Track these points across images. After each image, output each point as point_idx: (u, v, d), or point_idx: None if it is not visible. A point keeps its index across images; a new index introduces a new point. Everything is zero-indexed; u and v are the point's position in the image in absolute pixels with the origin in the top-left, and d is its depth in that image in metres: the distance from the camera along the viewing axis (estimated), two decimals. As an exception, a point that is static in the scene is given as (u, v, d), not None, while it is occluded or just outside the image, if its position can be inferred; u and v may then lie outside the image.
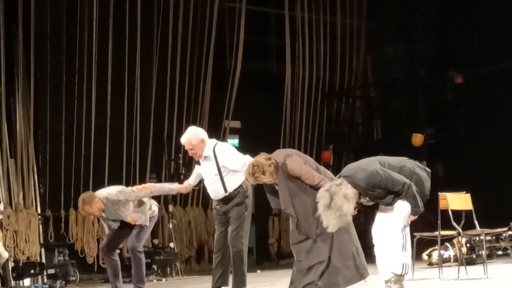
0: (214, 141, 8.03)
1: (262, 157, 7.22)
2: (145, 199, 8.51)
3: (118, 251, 8.64)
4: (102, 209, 8.43)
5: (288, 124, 15.98)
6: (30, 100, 12.88)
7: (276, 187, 7.17)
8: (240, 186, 7.86)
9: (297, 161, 7.10)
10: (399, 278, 6.72)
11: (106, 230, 8.79)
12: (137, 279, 8.48)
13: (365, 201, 6.79)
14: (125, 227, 8.52)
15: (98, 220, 13.13)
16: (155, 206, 8.70)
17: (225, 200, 7.88)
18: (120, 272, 8.60)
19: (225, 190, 7.82)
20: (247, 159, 7.68)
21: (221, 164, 7.80)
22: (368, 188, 6.63)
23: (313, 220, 6.94)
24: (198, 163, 8.03)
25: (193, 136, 7.95)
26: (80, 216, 13.05)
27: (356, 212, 6.67)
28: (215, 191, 7.90)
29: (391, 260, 6.68)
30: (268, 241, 15.63)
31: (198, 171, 8.20)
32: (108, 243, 8.57)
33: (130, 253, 8.53)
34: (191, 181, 8.32)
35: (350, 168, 6.83)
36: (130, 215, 8.39)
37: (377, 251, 6.83)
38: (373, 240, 6.85)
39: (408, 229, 6.75)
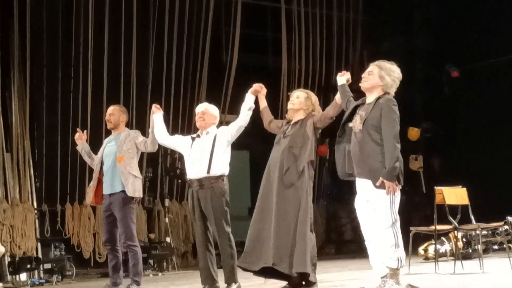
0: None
1: None
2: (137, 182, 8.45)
3: (120, 247, 8.57)
4: (124, 122, 8.59)
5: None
6: (26, 94, 12.87)
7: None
8: (221, 177, 7.71)
9: None
10: (394, 273, 6.66)
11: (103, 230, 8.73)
12: (134, 273, 8.46)
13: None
14: (111, 215, 8.45)
15: (95, 215, 13.17)
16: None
17: (201, 183, 7.68)
18: (121, 268, 8.58)
19: (208, 171, 7.64)
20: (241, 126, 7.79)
21: (217, 143, 7.69)
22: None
23: None
24: (193, 139, 7.89)
25: (212, 107, 8.00)
26: (77, 210, 13.06)
27: None
28: (197, 169, 7.69)
29: (386, 257, 6.65)
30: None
31: (180, 139, 8.11)
32: (109, 236, 8.51)
33: (126, 248, 8.49)
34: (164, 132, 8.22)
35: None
36: (126, 154, 8.37)
37: (369, 248, 6.81)
38: (365, 238, 6.83)
39: (398, 223, 6.67)
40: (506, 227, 11.21)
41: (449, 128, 16.48)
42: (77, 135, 8.88)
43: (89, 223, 13.15)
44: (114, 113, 8.67)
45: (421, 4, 17.08)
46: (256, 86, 7.92)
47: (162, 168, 14.07)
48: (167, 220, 13.58)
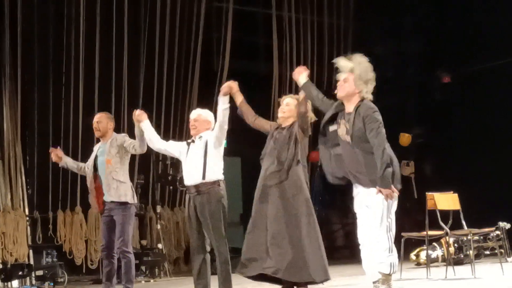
0: None
1: None
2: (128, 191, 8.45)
3: (116, 254, 8.56)
4: (111, 129, 8.55)
5: (276, 124, 15.99)
6: (18, 101, 12.85)
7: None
8: (217, 182, 7.69)
9: None
10: (387, 278, 6.66)
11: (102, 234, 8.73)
12: (126, 279, 8.45)
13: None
14: (109, 224, 8.44)
15: (86, 221, 13.16)
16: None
17: (198, 189, 7.67)
18: (115, 275, 8.57)
19: (203, 177, 7.63)
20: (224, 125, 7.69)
21: (209, 147, 7.68)
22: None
23: None
24: (189, 144, 7.91)
25: (205, 112, 7.97)
26: (68, 217, 13.04)
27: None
28: (192, 175, 7.67)
29: (378, 262, 6.66)
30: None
31: (175, 145, 8.08)
32: (108, 242, 8.49)
33: (120, 254, 8.48)
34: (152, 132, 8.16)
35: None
36: (113, 158, 8.35)
37: (363, 253, 6.81)
38: (360, 242, 6.83)
39: (394, 229, 6.70)
40: (498, 232, 11.27)
41: (440, 134, 16.51)
42: (52, 155, 8.80)
43: (81, 230, 13.13)
44: (101, 121, 8.62)
45: (412, 10, 17.11)
46: (224, 87, 7.79)
47: (153, 175, 14.06)
48: (159, 226, 13.56)
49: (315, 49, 16.74)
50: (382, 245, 6.60)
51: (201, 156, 7.68)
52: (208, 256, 7.77)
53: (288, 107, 7.67)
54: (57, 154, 8.78)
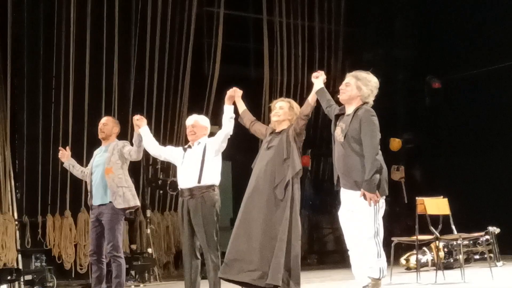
0: None
1: None
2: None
3: (105, 258, 8.54)
4: (115, 134, 8.61)
5: (267, 129, 16.01)
6: (7, 105, 12.80)
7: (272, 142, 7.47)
8: (212, 187, 7.73)
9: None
10: (376, 283, 6.68)
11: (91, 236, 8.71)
12: (116, 284, 8.41)
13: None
14: (98, 228, 8.43)
15: (76, 226, 13.12)
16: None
17: (192, 193, 7.69)
18: (104, 280, 8.55)
19: (199, 180, 7.67)
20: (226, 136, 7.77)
21: (207, 153, 7.72)
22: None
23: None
24: (185, 150, 7.94)
25: (202, 118, 8.05)
26: (58, 221, 13.01)
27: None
28: (188, 179, 7.72)
29: (368, 266, 6.66)
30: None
31: (172, 150, 8.10)
32: (96, 247, 8.46)
33: (111, 259, 8.47)
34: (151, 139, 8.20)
35: None
36: (114, 166, 8.35)
37: (352, 258, 6.81)
38: (348, 247, 6.83)
39: (381, 234, 6.69)
40: (487, 237, 11.30)
41: (430, 139, 16.55)
42: (60, 153, 8.83)
43: (70, 234, 13.08)
44: (107, 123, 8.69)
45: (402, 16, 17.16)
46: (229, 93, 7.91)
47: (144, 179, 14.03)
48: (148, 231, 13.53)
49: (306, 54, 16.76)
50: (370, 250, 6.61)
51: (199, 161, 7.73)
52: (199, 261, 7.77)
53: (282, 110, 7.64)
54: (64, 153, 8.78)
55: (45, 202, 13.10)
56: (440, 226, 9.52)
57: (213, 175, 7.77)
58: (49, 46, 13.39)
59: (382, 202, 6.65)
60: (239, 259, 7.34)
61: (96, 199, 8.43)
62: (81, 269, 13.16)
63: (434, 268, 10.61)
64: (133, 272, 12.84)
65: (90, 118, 13.61)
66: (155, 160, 13.64)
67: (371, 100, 6.88)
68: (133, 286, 12.38)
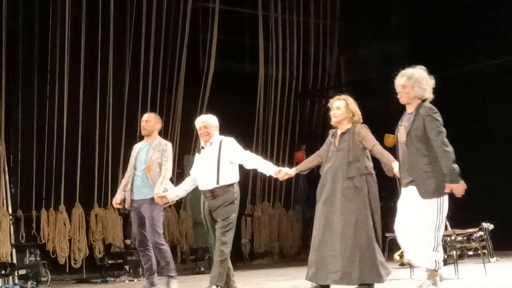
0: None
1: None
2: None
3: (151, 248, 8.68)
4: (157, 130, 8.83)
5: (261, 124, 16.02)
6: (2, 100, 12.79)
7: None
8: (232, 185, 7.85)
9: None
10: (432, 273, 6.92)
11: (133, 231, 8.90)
12: (167, 269, 8.67)
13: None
14: (140, 221, 8.66)
15: (70, 220, 13.12)
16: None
17: (213, 194, 7.82)
18: (156, 268, 8.77)
19: (217, 182, 7.78)
20: (248, 153, 7.93)
21: (222, 155, 7.81)
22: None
23: None
24: (199, 151, 8.02)
25: (211, 118, 8.13)
26: (52, 216, 13.00)
27: None
28: (207, 180, 7.83)
29: (424, 257, 6.88)
30: (241, 242, 15.61)
31: (192, 175, 8.15)
32: (141, 239, 8.71)
33: (154, 249, 8.66)
34: (179, 192, 8.33)
35: None
36: (153, 164, 8.54)
37: (403, 244, 7.03)
38: (398, 234, 7.04)
39: (442, 229, 6.93)
40: (481, 233, 11.29)
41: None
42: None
43: (65, 228, 13.09)
44: (150, 120, 8.88)
45: (399, 11, 17.14)
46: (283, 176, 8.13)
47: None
48: (143, 226, 13.51)
49: (301, 49, 16.76)
50: (428, 244, 6.84)
51: (215, 162, 7.84)
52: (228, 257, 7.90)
53: (339, 110, 7.76)
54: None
55: (40, 196, 13.10)
56: (434, 222, 9.52)
57: (231, 174, 7.90)
58: (44, 41, 13.39)
59: (446, 198, 6.93)
60: (327, 262, 7.44)
61: (137, 194, 8.67)
62: (75, 263, 13.16)
63: (428, 264, 10.60)
64: (127, 267, 12.86)
65: (85, 113, 13.61)
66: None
67: (428, 95, 7.16)
68: (127, 281, 12.39)
